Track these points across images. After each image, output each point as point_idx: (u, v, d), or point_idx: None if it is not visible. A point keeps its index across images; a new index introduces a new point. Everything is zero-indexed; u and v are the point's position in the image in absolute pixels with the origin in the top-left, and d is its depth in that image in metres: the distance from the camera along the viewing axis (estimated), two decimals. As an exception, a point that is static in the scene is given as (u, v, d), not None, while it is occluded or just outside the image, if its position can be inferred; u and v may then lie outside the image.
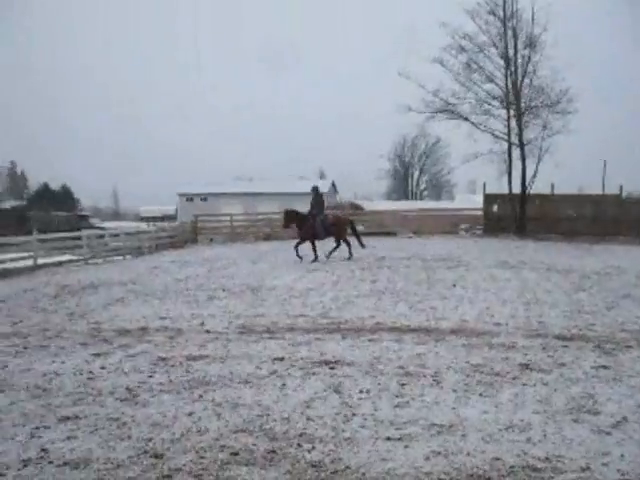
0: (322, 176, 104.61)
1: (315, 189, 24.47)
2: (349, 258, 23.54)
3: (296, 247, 23.32)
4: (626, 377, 8.35)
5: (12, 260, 24.01)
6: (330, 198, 78.09)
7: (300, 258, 22.90)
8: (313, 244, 23.57)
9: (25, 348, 10.34)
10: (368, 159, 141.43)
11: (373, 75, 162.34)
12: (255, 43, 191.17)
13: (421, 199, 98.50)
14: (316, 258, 23.21)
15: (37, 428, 6.68)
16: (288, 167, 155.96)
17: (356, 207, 56.04)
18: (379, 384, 8.05)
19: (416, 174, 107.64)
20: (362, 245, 24.40)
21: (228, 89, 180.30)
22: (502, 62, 38.51)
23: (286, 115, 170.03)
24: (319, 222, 23.50)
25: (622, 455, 5.92)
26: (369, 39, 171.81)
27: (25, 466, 5.77)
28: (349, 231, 24.60)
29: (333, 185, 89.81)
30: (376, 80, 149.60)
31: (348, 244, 24.02)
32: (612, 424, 6.67)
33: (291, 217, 24.16)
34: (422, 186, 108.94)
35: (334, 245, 24.17)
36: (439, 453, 5.93)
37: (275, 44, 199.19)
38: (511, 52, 38.04)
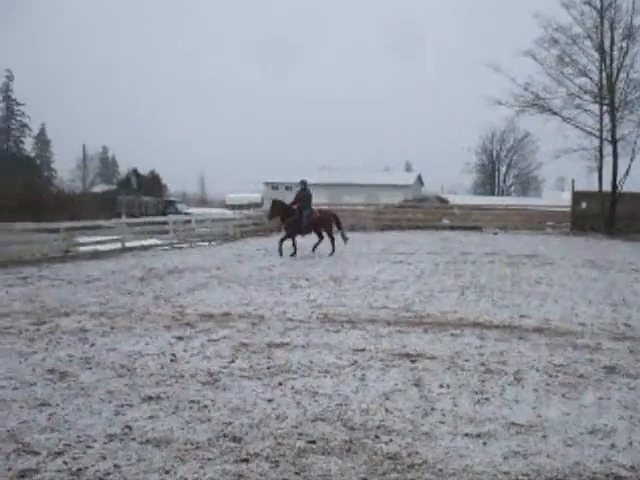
0: (408, 168, 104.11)
1: (303, 183, 23.59)
2: (331, 254, 22.75)
3: (280, 242, 22.78)
4: None
5: (102, 242, 24.65)
6: (416, 191, 77.74)
7: (281, 254, 22.47)
8: (293, 238, 22.90)
9: (112, 328, 10.61)
10: (456, 152, 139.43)
11: (464, 66, 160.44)
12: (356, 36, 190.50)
13: (508, 195, 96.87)
14: (295, 252, 22.68)
15: (121, 406, 6.84)
16: (373, 159, 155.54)
17: (441, 201, 55.58)
18: (459, 380, 7.98)
19: (503, 169, 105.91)
20: (345, 239, 23.60)
21: (316, 82, 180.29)
22: (597, 55, 37.59)
23: (372, 106, 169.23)
24: (305, 217, 22.76)
25: None
26: (458, 29, 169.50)
27: (110, 441, 5.91)
28: (335, 227, 23.72)
29: (419, 178, 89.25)
30: (467, 71, 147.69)
31: (332, 239, 23.26)
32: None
33: (277, 209, 23.59)
34: (509, 181, 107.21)
35: (317, 239, 23.63)
36: (518, 453, 5.82)
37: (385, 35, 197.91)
38: (607, 44, 37.07)
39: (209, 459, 5.55)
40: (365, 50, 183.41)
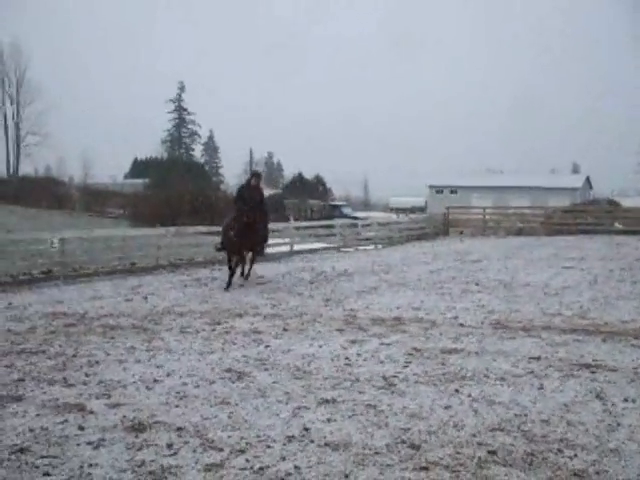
0: (575, 170, 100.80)
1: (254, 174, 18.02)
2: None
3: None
4: None
5: (271, 245, 25.18)
6: (584, 194, 75.17)
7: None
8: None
9: (284, 330, 10.79)
10: (627, 153, 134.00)
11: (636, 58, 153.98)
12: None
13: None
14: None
15: (299, 408, 6.93)
16: (538, 161, 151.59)
17: (613, 204, 53.47)
18: (646, 395, 7.59)
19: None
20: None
21: (480, 81, 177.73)
22: None
23: (536, 107, 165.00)
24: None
25: None
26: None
27: (289, 442, 6.00)
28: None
29: (588, 180, 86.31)
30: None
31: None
32: None
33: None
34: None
35: None
36: None
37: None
38: None
39: (388, 465, 5.52)
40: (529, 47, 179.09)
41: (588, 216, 39.26)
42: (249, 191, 16.70)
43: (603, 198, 62.97)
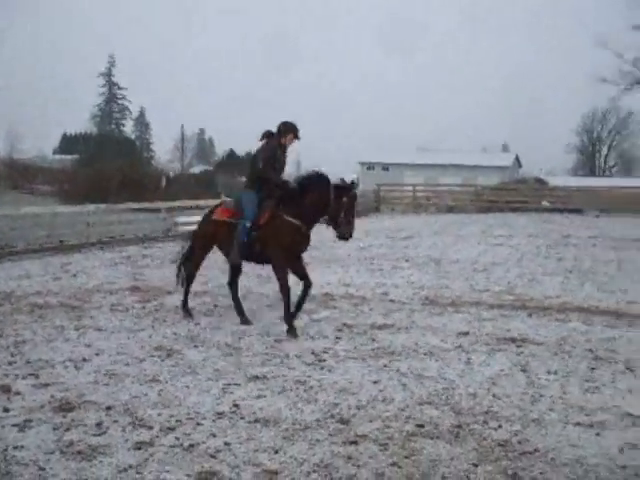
0: (505, 149, 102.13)
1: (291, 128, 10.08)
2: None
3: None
4: None
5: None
6: (513, 173, 76.32)
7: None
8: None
9: (215, 307, 10.77)
10: (555, 133, 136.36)
11: (566, 42, 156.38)
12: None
13: (609, 176, 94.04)
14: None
15: (229, 384, 6.94)
16: (470, 140, 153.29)
17: (541, 182, 54.39)
18: (567, 366, 7.80)
19: (604, 149, 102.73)
20: None
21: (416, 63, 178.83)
22: None
23: (468, 84, 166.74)
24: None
25: None
26: (562, 8, 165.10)
27: (219, 418, 6.01)
28: None
29: (517, 159, 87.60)
30: (569, 47, 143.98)
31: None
32: None
33: None
34: (610, 162, 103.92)
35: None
36: (635, 446, 5.61)
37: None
38: None
39: (318, 440, 5.57)
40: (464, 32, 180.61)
41: (517, 194, 39.90)
42: (281, 153, 9.92)
43: (531, 177, 64.01)
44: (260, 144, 9.87)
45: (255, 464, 5.09)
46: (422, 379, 7.22)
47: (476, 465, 5.18)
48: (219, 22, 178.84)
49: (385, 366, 7.66)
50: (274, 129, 9.77)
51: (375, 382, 7.08)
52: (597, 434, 5.86)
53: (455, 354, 8.22)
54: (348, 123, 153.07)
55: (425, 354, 8.16)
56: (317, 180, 9.59)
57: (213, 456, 5.22)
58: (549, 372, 7.60)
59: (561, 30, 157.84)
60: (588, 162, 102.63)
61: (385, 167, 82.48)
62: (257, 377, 7.19)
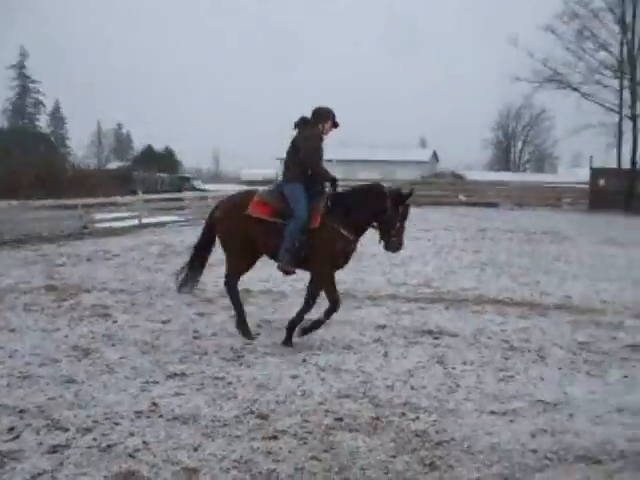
0: (423, 145, 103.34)
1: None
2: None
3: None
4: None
5: (119, 219, 24.71)
6: (431, 168, 77.36)
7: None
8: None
9: (133, 305, 10.64)
10: (472, 129, 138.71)
11: (481, 40, 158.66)
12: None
13: (523, 171, 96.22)
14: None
15: (147, 382, 6.87)
16: (389, 135, 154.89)
17: (457, 177, 55.38)
18: (483, 357, 7.98)
19: (519, 145, 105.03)
20: None
21: (328, 56, 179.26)
22: (618, 29, 37.19)
23: (385, 81, 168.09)
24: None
25: None
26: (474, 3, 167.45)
27: (138, 418, 5.95)
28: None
29: (435, 154, 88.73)
30: (484, 45, 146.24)
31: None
32: None
33: None
34: (525, 158, 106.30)
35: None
36: (545, 431, 5.82)
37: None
38: (629, 17, 36.60)
39: (237, 436, 5.57)
40: (375, 24, 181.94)
41: (434, 188, 40.52)
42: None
43: (449, 171, 65.04)
44: (298, 133, 8.71)
45: (174, 462, 5.06)
46: (341, 373, 7.29)
47: (394, 456, 5.27)
48: (134, 13, 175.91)
49: (304, 361, 7.71)
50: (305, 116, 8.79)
51: (294, 377, 7.12)
52: (511, 421, 6.04)
53: (373, 347, 8.32)
54: (264, 119, 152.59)
55: (343, 348, 8.24)
56: (371, 187, 8.83)
57: (131, 456, 5.16)
58: (465, 363, 7.76)
59: (477, 28, 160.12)
60: (503, 157, 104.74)
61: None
62: (176, 374, 7.14)
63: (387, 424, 5.91)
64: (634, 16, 36.61)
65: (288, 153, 8.81)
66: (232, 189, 51.23)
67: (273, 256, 8.67)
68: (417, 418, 6.06)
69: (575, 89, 38.65)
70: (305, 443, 5.47)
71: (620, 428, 5.94)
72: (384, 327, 9.29)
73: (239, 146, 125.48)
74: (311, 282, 8.69)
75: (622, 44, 37.13)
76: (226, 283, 8.93)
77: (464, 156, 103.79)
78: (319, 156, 8.71)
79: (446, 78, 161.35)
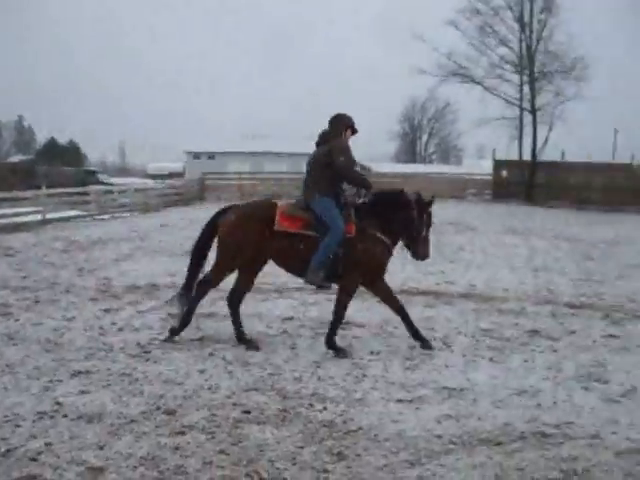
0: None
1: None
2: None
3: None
4: (635, 347, 8.43)
5: (21, 214, 24.04)
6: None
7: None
8: None
9: (36, 302, 10.39)
10: (379, 120, 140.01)
11: (388, 33, 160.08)
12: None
13: (429, 163, 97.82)
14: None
15: (50, 382, 6.72)
16: (296, 125, 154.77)
17: (364, 169, 55.78)
18: (389, 346, 8.10)
19: (424, 137, 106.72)
20: None
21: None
22: (517, 26, 38.20)
23: (293, 71, 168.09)
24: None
25: (631, 424, 5.96)
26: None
27: (40, 419, 5.81)
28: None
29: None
30: (391, 38, 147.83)
31: None
32: (621, 393, 6.74)
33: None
34: (430, 150, 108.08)
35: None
36: (450, 416, 5.98)
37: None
38: (527, 16, 37.70)
39: (144, 433, 5.52)
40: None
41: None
42: None
43: (357, 163, 65.45)
44: (321, 146, 8.45)
45: (79, 463, 4.97)
46: (248, 366, 7.29)
47: (302, 447, 5.32)
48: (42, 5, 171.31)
49: (211, 354, 7.68)
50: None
51: (201, 371, 7.09)
52: (417, 408, 6.18)
53: (281, 339, 8.36)
54: (174, 112, 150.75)
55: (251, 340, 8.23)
56: (397, 194, 8.40)
57: (33, 459, 5.03)
58: (372, 352, 7.88)
59: (383, 21, 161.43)
60: (410, 149, 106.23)
61: (211, 156, 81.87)
62: (80, 372, 7.00)
63: (295, 415, 5.95)
64: (531, 15, 37.75)
65: (313, 168, 8.44)
66: (138, 182, 50.49)
67: (293, 270, 8.35)
68: (325, 408, 6.12)
69: (478, 83, 39.50)
70: (213, 437, 5.46)
71: (520, 410, 6.17)
72: (291, 319, 9.34)
73: (145, 139, 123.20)
74: (340, 292, 8.30)
75: (521, 41, 38.19)
76: (231, 300, 8.45)
77: (370, 148, 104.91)
78: (353, 165, 8.45)
79: (354, 71, 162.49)
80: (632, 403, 6.46)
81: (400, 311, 8.25)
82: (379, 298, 8.62)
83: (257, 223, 8.07)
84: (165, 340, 8.17)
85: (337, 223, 7.91)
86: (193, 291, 8.31)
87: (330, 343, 7.93)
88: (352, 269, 8.03)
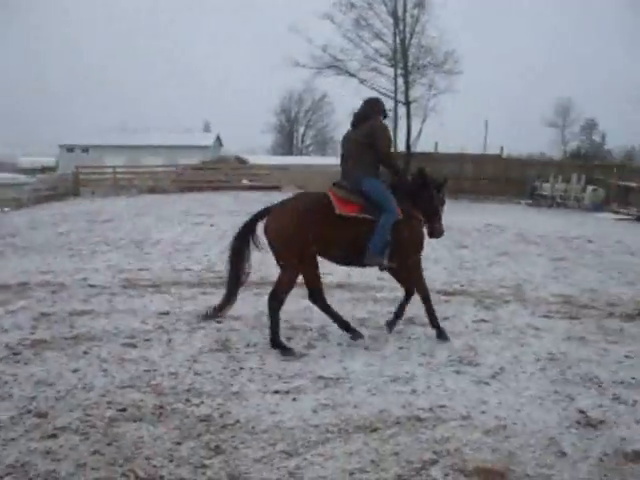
0: (207, 129, 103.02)
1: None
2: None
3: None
4: (504, 330, 8.74)
5: None
6: (215, 152, 77.31)
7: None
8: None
9: None
10: (256, 113, 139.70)
11: (262, 25, 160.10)
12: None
13: (307, 154, 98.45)
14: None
15: None
16: (174, 119, 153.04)
17: (241, 161, 55.60)
18: (265, 338, 8.07)
19: (301, 129, 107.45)
20: None
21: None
22: (391, 20, 38.66)
23: (166, 62, 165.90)
24: None
25: (499, 403, 6.22)
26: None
27: None
28: None
29: (218, 139, 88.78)
30: (266, 30, 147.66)
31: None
32: (491, 375, 7.00)
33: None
34: (307, 142, 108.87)
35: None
36: (327, 405, 6.06)
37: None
38: (400, 11, 38.24)
39: (12, 439, 5.32)
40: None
41: (217, 173, 40.53)
42: None
43: (232, 156, 65.22)
44: (358, 128, 8.20)
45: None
46: (123, 363, 7.15)
47: (179, 443, 5.27)
48: None
49: (85, 353, 7.49)
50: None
51: (74, 370, 6.90)
52: (294, 399, 6.21)
53: (156, 335, 8.22)
54: (46, 105, 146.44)
55: (126, 337, 8.08)
56: (418, 176, 8.57)
57: None
58: (248, 345, 7.87)
59: (258, 13, 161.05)
60: (286, 141, 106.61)
61: (85, 149, 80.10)
62: (-55, 377, 6.74)
63: (171, 411, 5.89)
64: (405, 10, 38.33)
65: (352, 150, 8.20)
66: (7, 177, 48.75)
67: (347, 257, 8.18)
68: (202, 403, 6.09)
69: (353, 75, 39.78)
70: (87, 438, 5.33)
71: (395, 396, 6.32)
72: (167, 314, 9.22)
73: (17, 133, 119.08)
74: (405, 278, 8.59)
75: (395, 35, 38.70)
76: (315, 302, 8.33)
77: (248, 140, 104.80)
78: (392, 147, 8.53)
79: (231, 61, 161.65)
80: (500, 384, 6.72)
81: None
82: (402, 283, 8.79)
83: (316, 214, 7.79)
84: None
85: (392, 204, 7.93)
86: (235, 297, 8.17)
87: (435, 324, 8.39)
88: (407, 250, 8.25)
